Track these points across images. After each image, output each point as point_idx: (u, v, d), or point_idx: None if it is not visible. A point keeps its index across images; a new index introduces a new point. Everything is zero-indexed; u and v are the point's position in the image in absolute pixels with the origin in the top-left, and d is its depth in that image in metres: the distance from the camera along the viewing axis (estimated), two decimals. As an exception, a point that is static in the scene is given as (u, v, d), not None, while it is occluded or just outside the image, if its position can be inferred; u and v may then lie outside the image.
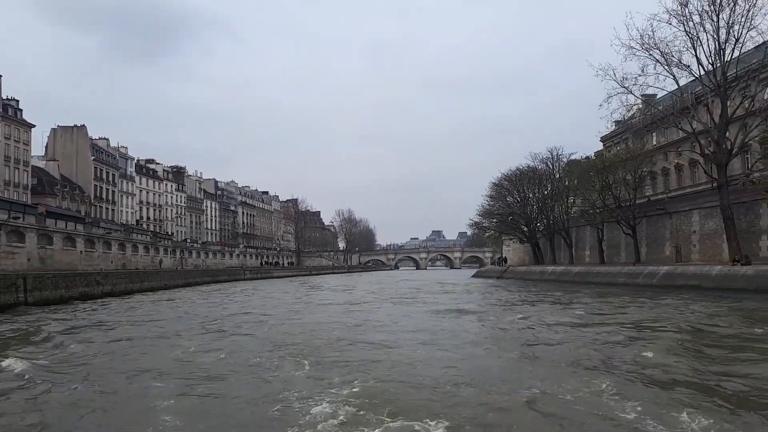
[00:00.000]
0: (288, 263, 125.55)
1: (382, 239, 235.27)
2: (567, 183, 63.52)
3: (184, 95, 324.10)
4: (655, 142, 53.21)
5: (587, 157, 65.80)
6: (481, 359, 13.34)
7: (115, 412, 9.22)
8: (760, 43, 36.27)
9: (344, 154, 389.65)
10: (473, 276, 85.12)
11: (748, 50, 37.09)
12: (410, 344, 15.72)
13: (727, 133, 36.96)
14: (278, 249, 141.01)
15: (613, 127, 55.15)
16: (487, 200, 78.16)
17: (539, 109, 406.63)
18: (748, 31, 34.77)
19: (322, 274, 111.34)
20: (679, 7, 36.95)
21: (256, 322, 22.15)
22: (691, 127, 40.26)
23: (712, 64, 36.76)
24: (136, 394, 10.25)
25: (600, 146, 65.72)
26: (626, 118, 45.14)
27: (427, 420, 8.14)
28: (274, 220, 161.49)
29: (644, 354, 13.11)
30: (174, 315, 26.39)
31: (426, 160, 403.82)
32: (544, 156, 67.77)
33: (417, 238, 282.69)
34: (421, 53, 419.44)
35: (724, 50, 36.23)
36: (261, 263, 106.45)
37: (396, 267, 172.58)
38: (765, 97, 36.90)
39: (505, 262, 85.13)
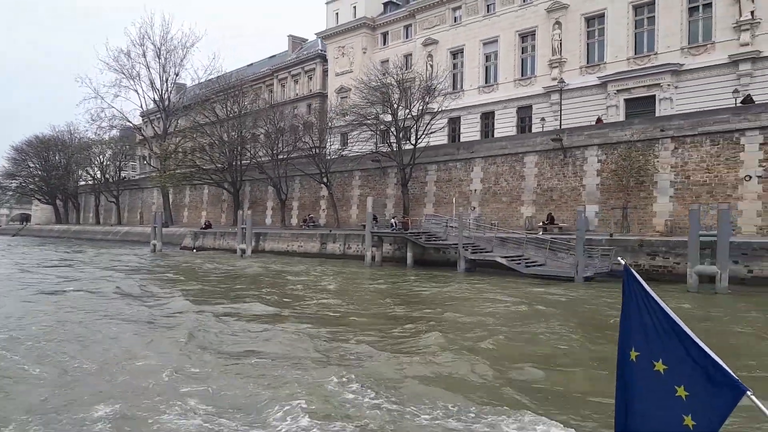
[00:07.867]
0: None
1: None
2: (77, 155, 74.71)
3: None
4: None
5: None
6: None
7: None
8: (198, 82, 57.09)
9: None
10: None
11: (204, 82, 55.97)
12: None
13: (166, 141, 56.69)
14: None
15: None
16: (9, 163, 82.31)
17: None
18: (177, 74, 55.28)
19: None
20: (136, 46, 54.52)
21: None
22: (144, 131, 59.04)
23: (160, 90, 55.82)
24: None
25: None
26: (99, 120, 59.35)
27: None
28: None
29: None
30: None
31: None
32: (61, 129, 77.58)
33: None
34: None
35: (166, 82, 55.63)
36: None
37: None
38: (183, 123, 57.51)
39: (28, 220, 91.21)
